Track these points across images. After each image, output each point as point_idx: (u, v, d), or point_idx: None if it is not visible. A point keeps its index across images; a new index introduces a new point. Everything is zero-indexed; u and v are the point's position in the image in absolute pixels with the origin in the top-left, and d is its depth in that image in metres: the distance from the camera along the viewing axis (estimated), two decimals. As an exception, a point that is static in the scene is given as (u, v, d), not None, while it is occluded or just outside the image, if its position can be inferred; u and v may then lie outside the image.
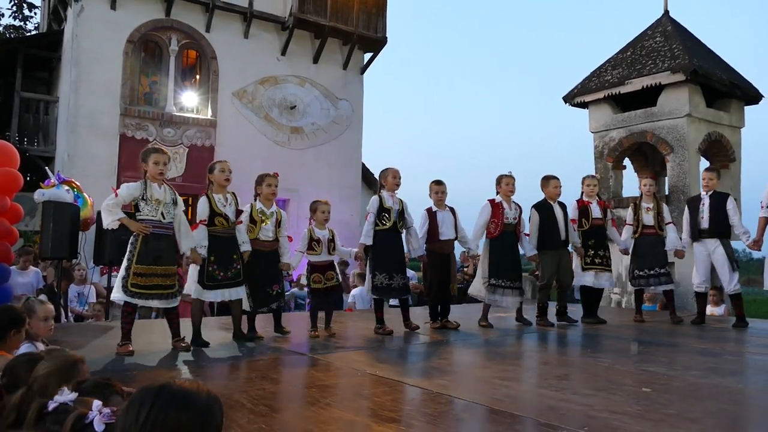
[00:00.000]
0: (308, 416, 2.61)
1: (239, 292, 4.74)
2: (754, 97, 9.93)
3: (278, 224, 5.02)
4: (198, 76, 13.29)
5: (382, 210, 5.28)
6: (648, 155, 10.53)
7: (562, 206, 6.24)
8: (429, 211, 5.67)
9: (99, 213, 5.75)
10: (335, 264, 5.40)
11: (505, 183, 5.86)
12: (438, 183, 5.70)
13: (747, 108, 10.06)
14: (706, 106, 9.33)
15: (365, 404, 2.90)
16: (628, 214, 6.60)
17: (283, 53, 13.89)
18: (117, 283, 4.15)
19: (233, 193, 4.80)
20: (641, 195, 6.54)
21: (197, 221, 4.64)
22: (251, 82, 13.48)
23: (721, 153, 9.72)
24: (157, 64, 12.86)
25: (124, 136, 12.05)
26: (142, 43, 12.59)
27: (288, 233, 5.23)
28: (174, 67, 12.77)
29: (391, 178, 5.40)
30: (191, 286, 4.60)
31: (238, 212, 4.78)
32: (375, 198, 5.39)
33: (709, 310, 8.92)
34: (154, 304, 4.30)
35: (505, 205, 5.82)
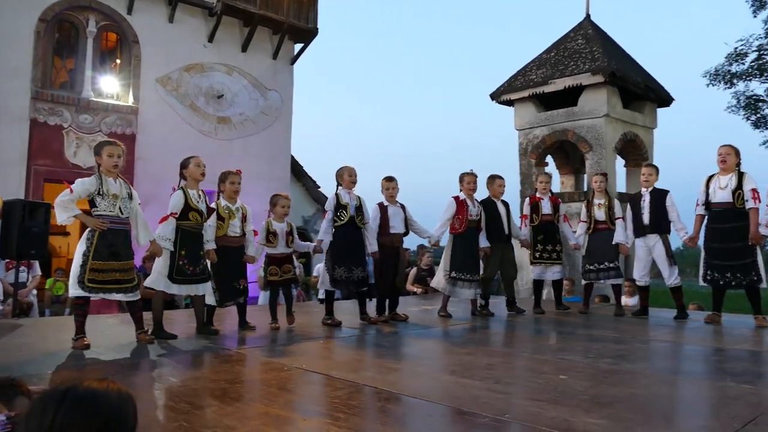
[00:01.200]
0: (231, 412, 2.55)
1: (205, 288, 4.80)
2: (665, 99, 10.54)
3: (244, 219, 5.12)
4: (119, 61, 12.69)
5: (339, 207, 5.45)
6: (569, 153, 10.96)
7: (505, 204, 6.58)
8: (380, 205, 5.86)
9: (5, 203, 5.39)
10: (293, 257, 5.50)
11: (467, 181, 6.16)
12: (389, 179, 5.91)
13: (659, 110, 10.65)
14: (622, 107, 9.80)
15: (291, 398, 2.88)
16: (581, 210, 6.81)
17: (210, 40, 13.50)
18: (72, 279, 4.09)
19: (203, 190, 4.84)
20: (593, 192, 6.76)
21: (168, 213, 4.62)
22: (176, 69, 13.02)
23: (635, 152, 10.25)
24: (73, 46, 12.19)
25: (36, 121, 11.35)
26: (57, 23, 11.89)
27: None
28: (92, 50, 12.14)
29: (347, 176, 5.57)
30: (156, 279, 4.60)
31: (210, 210, 4.82)
32: (332, 196, 5.56)
33: (624, 301, 9.42)
34: (116, 297, 4.25)
35: (468, 202, 6.14)
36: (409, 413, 2.72)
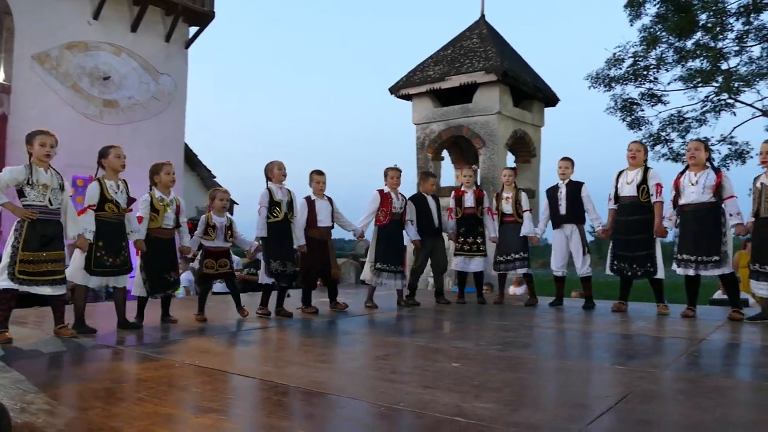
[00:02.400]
0: (117, 413, 2.43)
1: (125, 280, 4.75)
2: (552, 100, 11.18)
3: (178, 211, 5.12)
4: (-12, 34, 11.56)
5: (272, 203, 5.50)
6: (464, 148, 11.35)
7: (435, 198, 6.84)
8: (308, 199, 5.96)
9: None
10: (230, 252, 5.56)
11: (391, 176, 6.38)
12: (319, 173, 6.01)
13: (547, 109, 11.29)
14: (513, 106, 10.29)
15: (182, 396, 2.78)
16: (492, 203, 7.00)
17: (96, 17, 12.63)
18: (1, 270, 3.98)
19: (124, 180, 4.75)
20: (502, 185, 6.98)
21: (85, 206, 4.51)
22: (56, 46, 12.06)
23: (524, 149, 10.80)
24: (-67, 14, 10.96)
25: None
26: None
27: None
28: (-44, 21, 10.98)
29: (277, 170, 5.60)
30: (74, 272, 4.50)
31: (130, 200, 4.72)
32: (265, 192, 5.55)
33: (512, 290, 9.93)
34: (45, 291, 4.12)
35: (392, 195, 6.34)
36: (305, 405, 2.72)
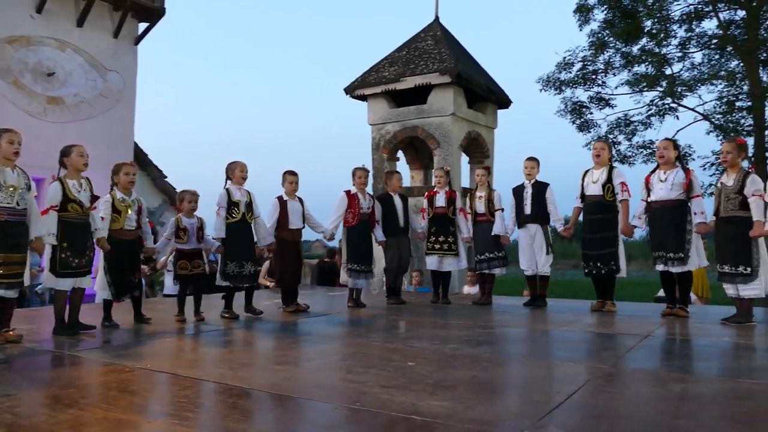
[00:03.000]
0: (64, 420, 2.35)
1: (88, 281, 4.66)
2: (505, 102, 11.38)
3: (140, 212, 5.08)
4: None
5: (231, 204, 5.50)
6: (419, 149, 11.43)
7: (403, 198, 6.91)
8: (280, 199, 5.96)
9: None
10: (203, 252, 5.55)
11: (358, 176, 6.41)
12: (292, 173, 6.02)
13: (500, 111, 11.49)
14: (467, 107, 10.43)
15: (134, 401, 2.71)
16: (465, 203, 7.02)
17: (39, 11, 12.15)
18: None
19: (87, 178, 4.67)
20: (476, 185, 7.00)
21: (47, 206, 4.42)
22: (-4, 40, 11.55)
23: (478, 150, 10.96)
24: None
25: None
26: None
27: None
28: None
29: (239, 171, 5.60)
30: (46, 277, 4.48)
31: (94, 198, 4.63)
32: (223, 192, 5.54)
33: (466, 290, 10.05)
34: (10, 294, 4.10)
35: (360, 196, 6.37)
36: (261, 408, 2.69)
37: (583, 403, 2.65)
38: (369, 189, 6.72)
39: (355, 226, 6.33)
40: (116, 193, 4.97)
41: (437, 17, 11.43)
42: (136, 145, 14.06)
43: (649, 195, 5.58)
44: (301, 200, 6.08)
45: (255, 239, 5.75)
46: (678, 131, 16.23)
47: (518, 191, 6.58)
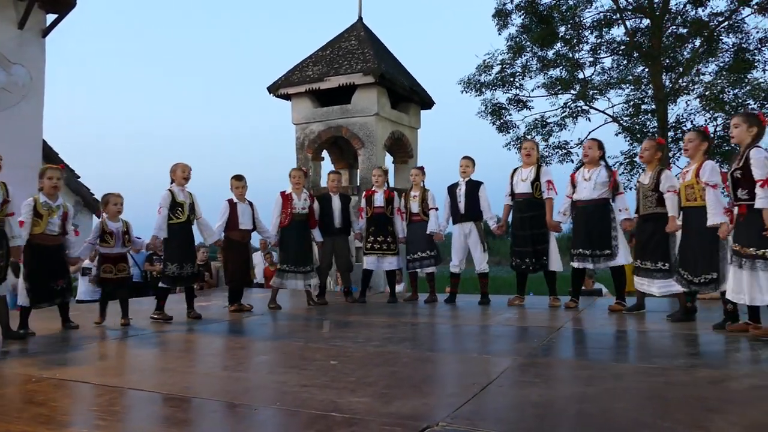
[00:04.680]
0: (-38, 435, 2.22)
1: (6, 288, 4.54)
2: (428, 102, 11.58)
3: (65, 218, 4.91)
4: None
5: (175, 204, 5.50)
6: (343, 149, 11.45)
7: (343, 198, 6.95)
8: (230, 202, 6.17)
9: None
10: (128, 256, 5.56)
11: (292, 176, 6.49)
12: (238, 178, 6.23)
13: (423, 112, 11.68)
14: (391, 108, 10.54)
15: (40, 412, 2.58)
16: (400, 203, 7.01)
17: (-68, -1, 11.26)
18: None
19: (3, 182, 4.42)
20: (411, 185, 7.04)
21: None
22: None
23: (402, 150, 11.10)
24: None
25: None
26: None
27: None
28: None
29: (180, 172, 5.61)
30: None
31: (5, 201, 4.39)
32: (167, 193, 5.53)
33: (399, 288, 10.16)
34: None
35: (294, 196, 6.41)
36: (178, 412, 2.64)
37: (497, 394, 2.76)
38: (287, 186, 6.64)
39: (287, 226, 6.36)
40: (39, 197, 4.80)
41: (360, 17, 11.49)
42: (45, 143, 13.29)
43: (574, 192, 5.81)
44: (251, 204, 6.28)
45: (199, 240, 5.93)
46: (590, 132, 17.08)
47: (452, 189, 6.70)
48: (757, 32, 15.49)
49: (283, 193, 6.45)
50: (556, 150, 17.19)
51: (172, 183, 5.61)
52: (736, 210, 4.13)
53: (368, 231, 6.91)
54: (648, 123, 16.52)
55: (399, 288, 9.60)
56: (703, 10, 16.00)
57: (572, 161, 16.83)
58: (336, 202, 6.84)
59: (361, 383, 2.94)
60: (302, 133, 10.59)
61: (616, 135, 16.97)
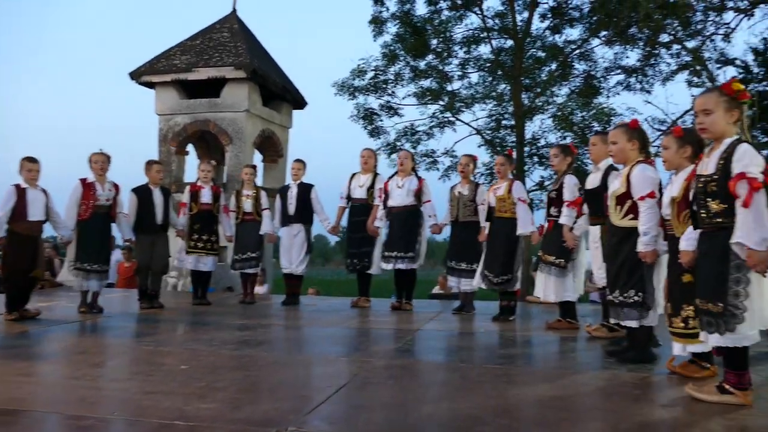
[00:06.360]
0: None
1: None
2: (301, 102, 11.50)
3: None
4: None
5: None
6: (210, 143, 11.03)
7: (165, 191, 6.28)
8: (18, 187, 5.18)
9: None
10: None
11: (95, 161, 5.66)
12: (30, 160, 5.27)
13: (295, 112, 11.57)
14: (262, 105, 10.33)
15: None
16: (231, 201, 6.70)
17: None
18: None
19: None
20: (242, 183, 6.76)
21: None
22: None
23: (272, 149, 10.92)
24: None
25: None
26: None
27: None
28: None
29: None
30: None
31: None
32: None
33: (258, 290, 9.96)
34: None
35: (98, 185, 5.62)
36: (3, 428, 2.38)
37: (349, 396, 2.79)
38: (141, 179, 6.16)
39: (87, 219, 5.57)
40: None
41: (235, 9, 11.16)
42: None
43: (388, 200, 6.10)
44: (45, 191, 5.35)
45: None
46: (456, 143, 17.91)
47: (283, 192, 6.69)
48: (604, 62, 17.15)
49: (83, 181, 5.61)
50: (423, 158, 17.81)
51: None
52: (546, 224, 4.96)
53: (192, 228, 6.45)
54: (507, 137, 17.63)
55: (262, 290, 9.44)
56: (559, 37, 17.40)
57: (438, 169, 17.53)
58: (158, 196, 6.17)
59: (210, 388, 2.83)
60: (166, 124, 10.06)
61: (479, 147, 17.94)
